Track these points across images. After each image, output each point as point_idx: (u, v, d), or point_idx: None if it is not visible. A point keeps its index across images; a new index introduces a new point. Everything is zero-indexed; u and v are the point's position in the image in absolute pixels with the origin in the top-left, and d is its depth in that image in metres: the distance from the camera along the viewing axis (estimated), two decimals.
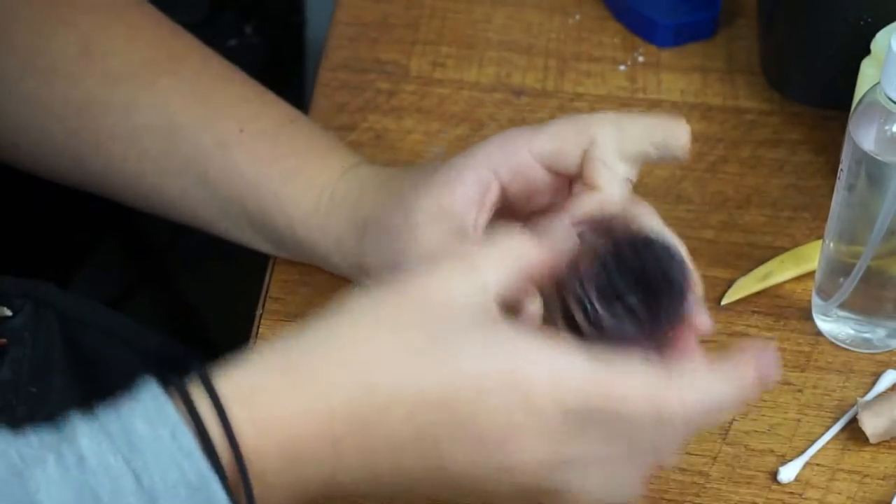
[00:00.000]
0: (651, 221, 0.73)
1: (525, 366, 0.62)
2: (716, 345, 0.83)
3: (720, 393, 0.64)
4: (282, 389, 0.62)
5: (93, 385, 0.91)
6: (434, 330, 0.62)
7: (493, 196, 0.75)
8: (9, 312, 0.89)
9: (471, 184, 0.75)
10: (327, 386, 0.62)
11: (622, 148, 0.73)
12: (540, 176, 0.75)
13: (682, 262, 0.69)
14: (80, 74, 0.85)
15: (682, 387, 0.63)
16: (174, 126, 0.84)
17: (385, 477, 0.63)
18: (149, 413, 0.61)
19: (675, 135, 0.74)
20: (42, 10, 0.86)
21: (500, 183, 0.75)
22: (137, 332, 0.95)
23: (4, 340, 0.88)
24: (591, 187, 0.73)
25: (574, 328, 0.67)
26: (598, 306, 0.67)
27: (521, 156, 0.74)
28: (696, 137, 0.95)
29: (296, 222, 0.82)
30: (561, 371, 0.62)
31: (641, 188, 0.89)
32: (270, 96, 0.87)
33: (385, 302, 0.64)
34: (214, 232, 0.87)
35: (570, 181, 0.75)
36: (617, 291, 0.66)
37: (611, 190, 0.72)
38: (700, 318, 0.69)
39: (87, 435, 0.61)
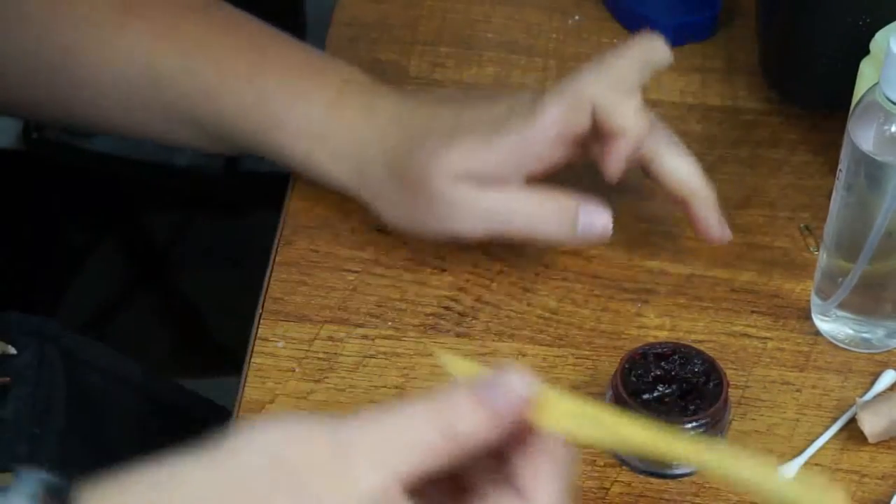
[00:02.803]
0: (665, 156, 0.81)
1: None
2: (715, 345, 0.83)
3: None
4: None
5: (94, 428, 0.91)
6: None
7: (518, 187, 0.80)
8: (13, 350, 0.89)
9: (497, 180, 0.80)
10: None
11: (620, 89, 0.78)
12: (559, 152, 0.79)
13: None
14: (47, 24, 0.86)
15: None
16: (153, 75, 0.85)
17: None
18: None
19: (653, 50, 0.79)
20: None
21: (525, 173, 0.80)
22: (141, 375, 0.95)
23: (8, 379, 0.87)
24: (617, 134, 0.78)
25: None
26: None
27: (536, 147, 0.79)
28: (695, 138, 0.96)
29: (292, 166, 0.85)
30: None
31: (642, 188, 0.89)
32: (237, 21, 0.87)
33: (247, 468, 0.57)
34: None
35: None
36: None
37: (636, 126, 0.78)
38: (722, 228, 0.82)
39: None
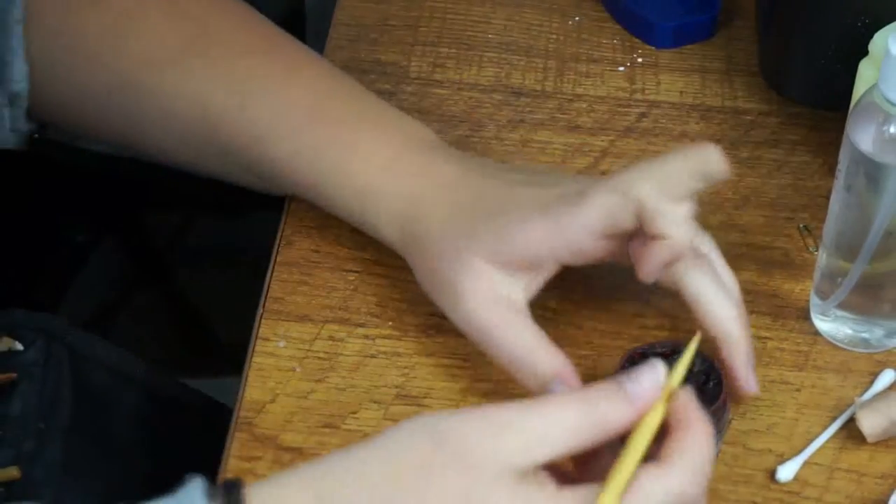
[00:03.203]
0: (701, 279, 0.77)
1: None
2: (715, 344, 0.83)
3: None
4: None
5: (99, 424, 0.92)
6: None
7: (549, 276, 0.78)
8: (20, 346, 0.89)
9: (530, 265, 0.77)
10: None
11: (669, 194, 0.74)
12: (599, 246, 0.76)
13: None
14: (114, 58, 0.85)
15: None
16: (208, 116, 0.84)
17: None
18: None
19: (708, 161, 0.74)
20: None
21: (561, 263, 0.77)
22: (145, 373, 0.95)
23: (14, 375, 0.88)
24: (658, 238, 0.74)
25: None
26: None
27: (576, 238, 0.76)
28: (694, 138, 0.96)
29: (343, 216, 0.84)
30: None
31: None
32: (300, 63, 0.85)
33: (411, 449, 0.63)
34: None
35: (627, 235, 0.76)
36: None
37: (678, 235, 0.74)
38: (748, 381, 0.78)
39: None
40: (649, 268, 0.74)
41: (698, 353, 0.76)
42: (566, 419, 0.63)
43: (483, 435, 0.62)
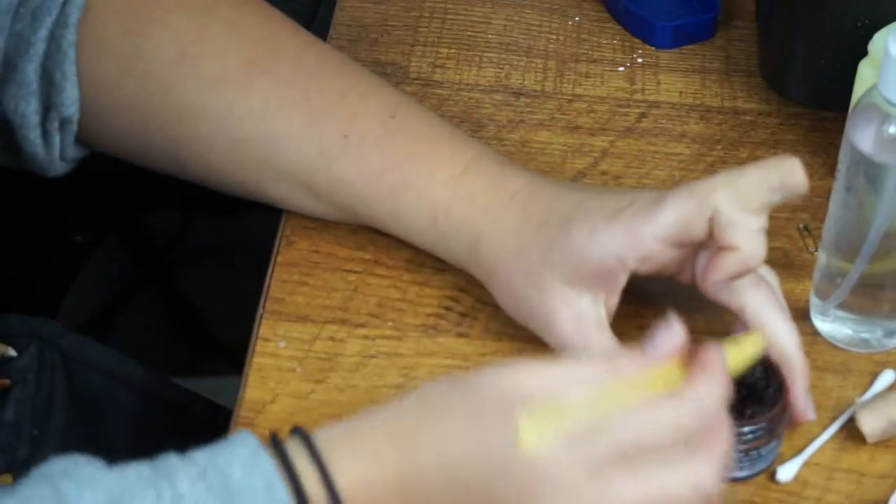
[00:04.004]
0: (766, 303, 0.77)
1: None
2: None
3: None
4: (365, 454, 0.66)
5: (93, 428, 0.91)
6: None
7: (621, 285, 0.78)
8: (13, 353, 0.89)
9: (601, 275, 0.77)
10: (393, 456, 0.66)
11: (745, 204, 0.74)
12: (667, 254, 0.76)
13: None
14: (175, 80, 0.83)
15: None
16: (274, 136, 0.83)
17: None
18: (245, 463, 0.63)
19: (790, 173, 0.74)
20: (133, 11, 0.84)
21: (629, 270, 0.77)
22: (141, 376, 0.95)
23: (8, 381, 0.88)
24: (729, 249, 0.74)
25: None
26: None
27: (646, 243, 0.75)
28: (694, 139, 0.96)
29: (412, 234, 0.83)
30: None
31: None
32: (367, 84, 0.85)
33: (456, 393, 0.67)
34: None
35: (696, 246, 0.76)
36: None
37: (750, 247, 0.74)
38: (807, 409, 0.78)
39: (186, 477, 0.62)
40: (716, 277, 0.75)
41: (763, 360, 0.76)
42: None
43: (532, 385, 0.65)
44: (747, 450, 0.75)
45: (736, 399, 0.74)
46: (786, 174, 0.74)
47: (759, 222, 0.74)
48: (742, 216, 0.74)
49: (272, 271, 0.87)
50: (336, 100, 0.83)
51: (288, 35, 0.85)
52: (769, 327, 0.76)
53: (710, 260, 0.75)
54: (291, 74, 0.83)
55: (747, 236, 0.74)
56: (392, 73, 0.99)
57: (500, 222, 0.79)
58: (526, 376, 0.65)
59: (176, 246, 1.46)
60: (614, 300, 0.78)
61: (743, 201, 0.74)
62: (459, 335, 0.83)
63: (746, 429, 0.74)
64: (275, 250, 0.88)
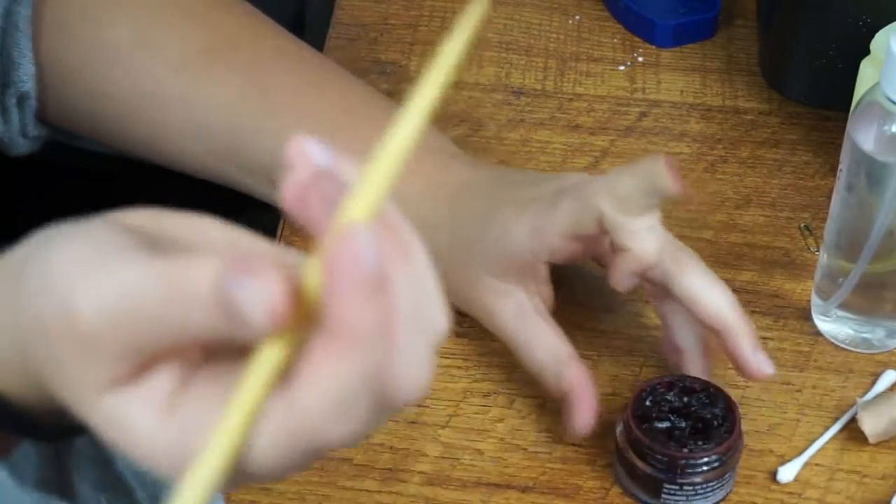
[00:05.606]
0: (690, 278, 0.76)
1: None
2: (715, 344, 0.83)
3: None
4: None
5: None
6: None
7: (544, 275, 0.79)
8: None
9: (522, 268, 0.78)
10: None
11: (626, 208, 0.74)
12: (574, 246, 0.77)
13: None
14: (135, 67, 0.84)
15: None
16: (234, 127, 0.83)
17: None
18: None
19: (659, 177, 0.73)
20: None
21: (544, 261, 0.78)
22: None
23: None
24: (621, 250, 0.75)
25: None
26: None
27: (549, 239, 0.77)
28: (695, 138, 0.96)
29: None
30: None
31: None
32: (324, 78, 0.85)
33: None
34: None
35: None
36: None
37: (639, 247, 0.74)
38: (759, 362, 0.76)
39: None
40: (617, 277, 0.76)
41: (721, 394, 0.76)
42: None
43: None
44: (702, 482, 0.75)
45: (689, 431, 0.74)
46: (655, 177, 0.74)
47: (645, 222, 0.74)
48: (626, 219, 0.74)
49: None
50: (292, 95, 0.84)
51: (246, 22, 0.86)
52: (700, 296, 0.76)
53: (610, 262, 0.76)
54: (250, 64, 0.84)
55: (634, 237, 0.74)
56: (392, 73, 0.99)
57: (433, 218, 0.80)
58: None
59: None
60: (546, 289, 0.79)
61: (624, 205, 0.74)
62: (459, 335, 0.83)
63: (702, 460, 0.74)
64: None
